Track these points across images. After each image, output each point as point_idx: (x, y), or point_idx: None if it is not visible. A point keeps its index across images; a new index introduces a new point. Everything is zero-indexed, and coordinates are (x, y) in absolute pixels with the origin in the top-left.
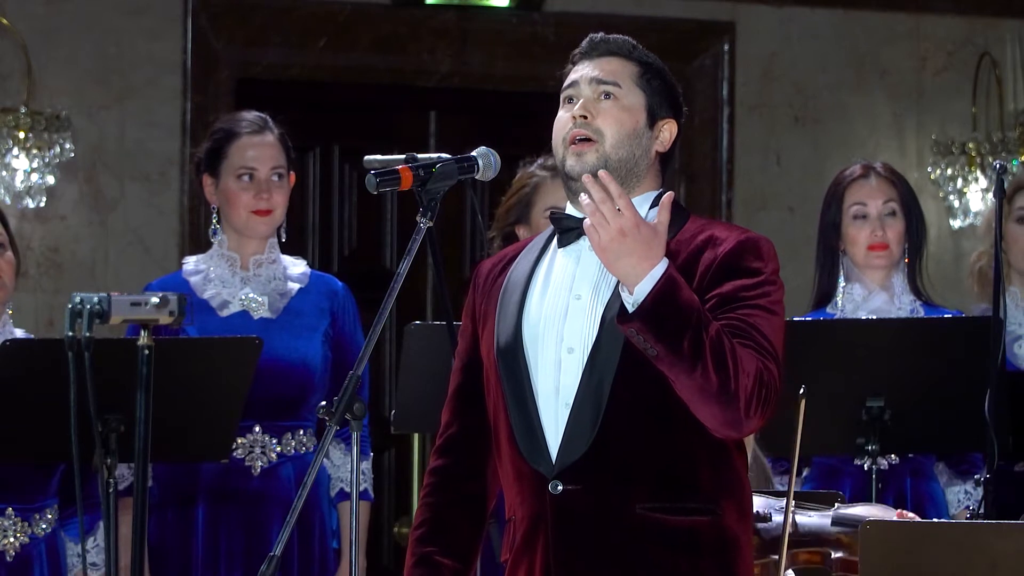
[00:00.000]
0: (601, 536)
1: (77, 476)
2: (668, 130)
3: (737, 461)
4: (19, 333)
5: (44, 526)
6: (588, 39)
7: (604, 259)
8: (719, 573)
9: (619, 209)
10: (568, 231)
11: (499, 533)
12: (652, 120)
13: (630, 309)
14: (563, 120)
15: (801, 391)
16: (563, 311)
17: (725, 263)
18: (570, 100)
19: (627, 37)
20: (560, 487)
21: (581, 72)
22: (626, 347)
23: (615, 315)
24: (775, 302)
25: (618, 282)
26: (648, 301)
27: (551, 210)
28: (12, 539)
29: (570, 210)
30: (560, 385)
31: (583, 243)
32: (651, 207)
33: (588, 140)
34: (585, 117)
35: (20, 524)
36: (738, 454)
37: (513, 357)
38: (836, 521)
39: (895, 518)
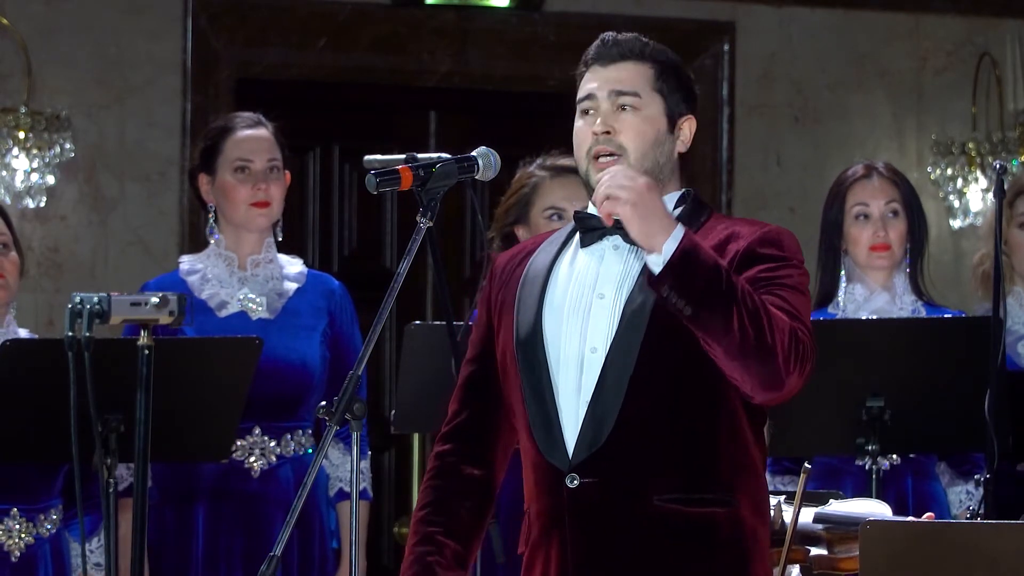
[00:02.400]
0: (619, 528)
1: (77, 476)
2: (688, 127)
3: (755, 455)
4: (23, 333)
5: (49, 526)
6: (600, 41)
7: (632, 216)
8: (735, 563)
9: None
10: (591, 231)
11: (499, 533)
12: (672, 123)
13: (658, 270)
14: (583, 133)
15: (806, 464)
16: (586, 309)
17: (748, 252)
18: (587, 112)
19: (637, 36)
20: (576, 481)
21: (597, 81)
22: (646, 340)
23: (635, 308)
24: (800, 283)
25: (639, 276)
26: (676, 256)
27: (575, 211)
28: (17, 539)
29: (592, 209)
30: (582, 384)
31: (606, 243)
32: (676, 206)
33: (612, 155)
34: (608, 132)
35: (25, 524)
36: (757, 448)
37: (532, 350)
38: (819, 519)
39: (890, 514)
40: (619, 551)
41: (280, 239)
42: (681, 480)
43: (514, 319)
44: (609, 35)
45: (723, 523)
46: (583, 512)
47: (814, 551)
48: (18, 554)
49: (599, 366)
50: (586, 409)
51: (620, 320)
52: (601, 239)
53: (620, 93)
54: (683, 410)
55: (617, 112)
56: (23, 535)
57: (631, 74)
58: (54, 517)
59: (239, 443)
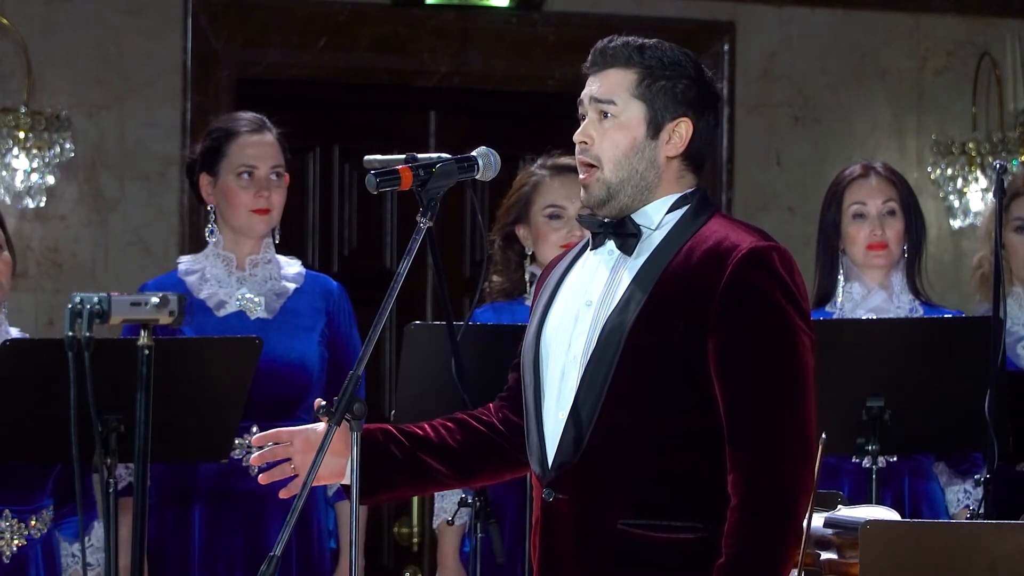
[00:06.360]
0: (582, 547)
1: (77, 477)
2: (684, 129)
3: None
4: (15, 332)
5: (40, 527)
6: (592, 51)
7: None
8: None
9: None
10: (595, 235)
11: (499, 534)
12: (656, 128)
13: None
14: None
15: (822, 436)
16: (573, 318)
17: (720, 310)
18: (583, 119)
19: (629, 39)
20: (552, 496)
21: (586, 89)
22: (621, 361)
23: (613, 327)
24: (774, 351)
25: (625, 292)
26: None
27: (579, 213)
28: (8, 540)
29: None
30: (560, 394)
31: (606, 247)
32: (671, 210)
33: (591, 166)
34: (586, 143)
35: (16, 526)
36: None
37: (532, 356)
38: (829, 523)
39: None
40: (581, 569)
41: (278, 241)
42: (648, 507)
43: (527, 330)
44: (602, 43)
45: (689, 551)
46: (554, 526)
47: (824, 555)
48: (9, 555)
49: (577, 379)
50: (564, 424)
51: (599, 336)
52: (605, 242)
53: (598, 101)
54: (655, 436)
55: (600, 120)
56: (14, 536)
57: (611, 81)
58: (45, 517)
59: (237, 442)
